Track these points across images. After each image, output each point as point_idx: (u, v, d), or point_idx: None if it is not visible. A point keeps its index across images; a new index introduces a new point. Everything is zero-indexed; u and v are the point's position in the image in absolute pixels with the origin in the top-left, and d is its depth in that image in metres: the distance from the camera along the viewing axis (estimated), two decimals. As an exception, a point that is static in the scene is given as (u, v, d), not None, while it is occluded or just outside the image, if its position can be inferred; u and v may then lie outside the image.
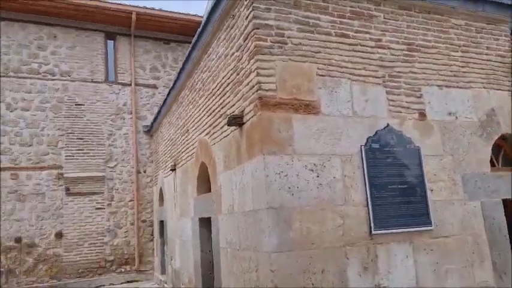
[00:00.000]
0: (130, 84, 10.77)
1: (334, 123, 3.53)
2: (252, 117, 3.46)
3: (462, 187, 3.91)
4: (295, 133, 3.35)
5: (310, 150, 3.37)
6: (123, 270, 9.54)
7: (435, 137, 3.92)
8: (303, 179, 3.28)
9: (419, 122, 3.89)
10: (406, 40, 4.07)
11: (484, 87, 4.33)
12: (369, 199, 3.44)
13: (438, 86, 4.09)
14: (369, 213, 3.42)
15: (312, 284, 3.10)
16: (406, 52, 4.05)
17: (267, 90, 3.35)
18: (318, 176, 3.34)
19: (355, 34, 3.83)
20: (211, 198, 4.67)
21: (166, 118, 8.17)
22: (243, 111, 3.68)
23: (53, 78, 9.95)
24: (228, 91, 4.14)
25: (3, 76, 9.45)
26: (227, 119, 3.78)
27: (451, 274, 3.61)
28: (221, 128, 4.33)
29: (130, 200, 10.04)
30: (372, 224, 3.39)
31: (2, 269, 8.30)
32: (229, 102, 4.09)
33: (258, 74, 3.37)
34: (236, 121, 3.67)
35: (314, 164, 3.35)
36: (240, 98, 3.75)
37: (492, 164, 4.32)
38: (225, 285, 4.14)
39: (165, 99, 7.68)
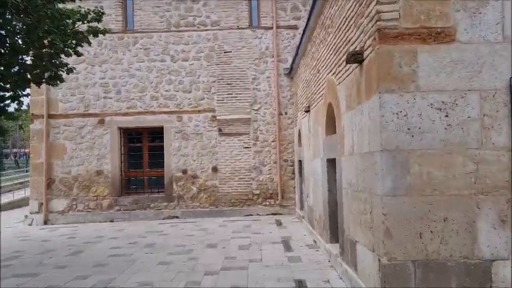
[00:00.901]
0: (271, 28, 11.00)
1: (475, 52, 2.95)
2: (371, 52, 3.18)
3: None
4: (420, 67, 2.95)
5: (439, 86, 2.94)
6: (267, 203, 10.52)
7: None
8: (428, 119, 2.93)
9: None
10: None
11: None
12: (516, 143, 2.86)
13: None
14: (514, 159, 2.86)
15: (431, 232, 2.87)
16: None
17: (387, 20, 3.00)
18: (446, 116, 2.92)
19: None
20: (336, 139, 4.63)
21: (303, 59, 8.17)
22: (363, 46, 3.41)
23: (206, 28, 10.93)
24: (351, 25, 3.85)
25: (166, 31, 10.86)
26: (346, 55, 3.57)
27: None
28: (344, 66, 4.12)
29: (273, 141, 10.72)
30: (518, 173, 2.84)
31: (174, 194, 10.20)
32: (352, 37, 3.82)
33: (378, 2, 3.02)
34: (355, 58, 3.43)
35: (443, 102, 2.93)
36: (361, 32, 3.46)
37: None
38: (346, 225, 4.19)
39: (301, 40, 7.64)
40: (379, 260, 2.97)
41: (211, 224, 8.85)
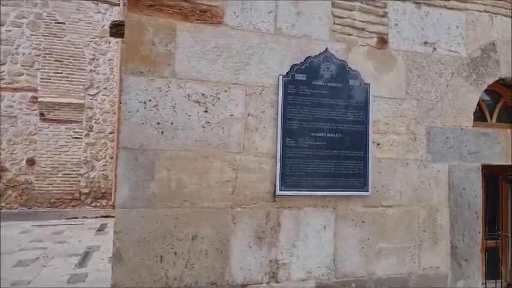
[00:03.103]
0: (118, 4, 9.78)
1: (244, 40, 2.52)
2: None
3: (425, 144, 2.89)
4: (179, 49, 2.39)
5: (200, 74, 2.42)
6: (98, 204, 9.28)
7: (397, 73, 2.84)
8: (183, 114, 2.38)
9: (377, 51, 2.80)
10: None
11: (485, 11, 3.09)
12: (279, 148, 2.51)
13: (415, 3, 2.92)
14: (276, 167, 2.51)
15: (175, 254, 2.32)
16: (378, -49, 2.85)
17: (143, -16, 2.36)
18: (206, 111, 2.42)
19: None
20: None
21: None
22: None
23: (32, -8, 9.10)
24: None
25: (-22, -13, 8.68)
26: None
27: (385, 255, 2.73)
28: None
29: (111, 132, 9.52)
30: (278, 182, 2.50)
31: (-30, 190, 8.17)
32: (133, 9, 3.11)
33: (134, -40, 2.36)
34: (117, 29, 2.73)
35: (203, 95, 2.42)
36: None
37: (482, 118, 3.24)
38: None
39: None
40: (111, 291, 2.31)
41: (10, 230, 7.22)
